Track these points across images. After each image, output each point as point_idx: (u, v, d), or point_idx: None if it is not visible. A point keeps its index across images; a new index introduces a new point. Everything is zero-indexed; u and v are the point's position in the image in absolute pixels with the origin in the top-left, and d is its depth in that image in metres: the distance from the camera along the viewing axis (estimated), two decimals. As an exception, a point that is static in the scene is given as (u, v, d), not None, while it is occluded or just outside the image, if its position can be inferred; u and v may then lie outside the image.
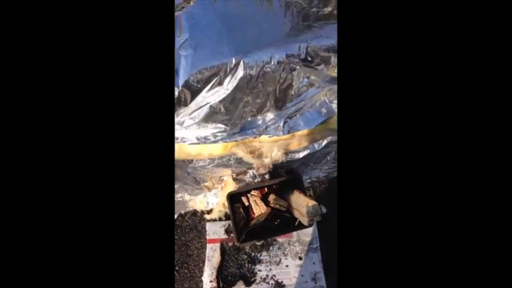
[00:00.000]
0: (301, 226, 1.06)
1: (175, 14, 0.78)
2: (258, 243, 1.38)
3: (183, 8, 0.78)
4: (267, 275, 1.32)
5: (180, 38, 0.75)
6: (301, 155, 1.13)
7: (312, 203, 0.97)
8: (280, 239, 1.40)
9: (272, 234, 1.17)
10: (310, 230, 1.44)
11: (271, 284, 1.31)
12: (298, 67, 0.82)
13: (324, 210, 1.54)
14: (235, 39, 0.76)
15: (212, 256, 1.35)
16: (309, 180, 1.40)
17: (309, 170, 1.30)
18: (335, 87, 0.94)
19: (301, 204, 0.98)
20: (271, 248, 1.37)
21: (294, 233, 1.41)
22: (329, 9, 0.84)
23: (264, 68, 0.79)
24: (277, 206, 1.07)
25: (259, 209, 1.05)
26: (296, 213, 1.04)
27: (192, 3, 0.77)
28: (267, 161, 0.98)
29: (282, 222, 1.10)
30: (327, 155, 1.23)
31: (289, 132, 0.93)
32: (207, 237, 1.37)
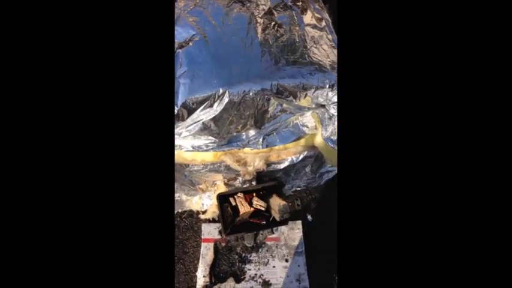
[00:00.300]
0: (275, 222, 1.26)
1: (177, 50, 1.02)
2: (249, 245, 1.56)
3: (183, 46, 1.03)
4: (256, 274, 1.45)
5: (180, 69, 0.99)
6: (282, 166, 1.35)
7: (283, 203, 1.18)
8: (269, 242, 1.56)
9: (252, 230, 1.37)
10: (296, 236, 1.59)
11: (259, 282, 1.43)
12: (271, 98, 1.05)
13: (310, 218, 1.71)
14: (223, 75, 1.00)
15: (206, 254, 1.49)
16: (292, 189, 1.60)
17: (290, 180, 1.51)
18: (305, 113, 1.17)
19: (276, 204, 1.19)
20: (260, 250, 1.50)
21: (282, 237, 1.56)
22: (296, 56, 1.08)
23: (244, 96, 1.02)
24: (258, 206, 1.28)
25: (243, 208, 1.26)
26: (272, 212, 1.26)
27: (191, 44, 1.02)
28: (250, 168, 1.20)
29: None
30: (305, 167, 1.43)
31: (267, 146, 1.15)
32: (202, 237, 1.51)
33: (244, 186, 1.36)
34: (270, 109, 1.08)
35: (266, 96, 1.04)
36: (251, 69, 1.03)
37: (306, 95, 1.08)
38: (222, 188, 1.34)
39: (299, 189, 1.61)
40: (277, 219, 1.21)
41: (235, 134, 1.11)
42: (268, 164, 1.27)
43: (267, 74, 1.03)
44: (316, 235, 1.59)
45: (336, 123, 1.16)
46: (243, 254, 1.53)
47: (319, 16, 1.24)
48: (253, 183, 1.37)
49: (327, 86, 1.09)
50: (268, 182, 1.33)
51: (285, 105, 1.10)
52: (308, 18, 1.20)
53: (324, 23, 1.22)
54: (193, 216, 1.59)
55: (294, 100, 1.08)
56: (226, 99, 1.00)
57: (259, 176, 1.35)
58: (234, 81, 1.00)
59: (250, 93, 1.01)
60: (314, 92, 1.09)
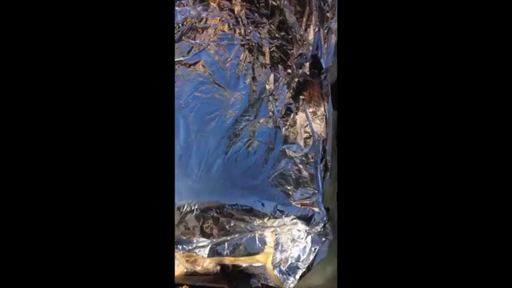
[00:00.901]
0: None
1: None
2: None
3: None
4: None
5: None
6: (244, 264, 1.33)
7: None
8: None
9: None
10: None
11: None
12: (220, 217, 1.05)
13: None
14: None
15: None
16: (260, 283, 1.56)
17: (257, 276, 1.47)
18: (266, 232, 1.14)
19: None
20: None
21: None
22: (256, 181, 1.06)
23: (190, 211, 1.05)
24: (199, 312, 1.27)
25: (184, 307, 1.27)
26: (208, 321, 1.25)
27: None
28: (198, 268, 1.22)
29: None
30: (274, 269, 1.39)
31: (213, 256, 1.16)
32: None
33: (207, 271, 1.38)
34: (220, 223, 1.09)
35: (212, 215, 1.05)
36: (202, 189, 1.05)
37: (259, 220, 1.07)
38: (180, 268, 1.38)
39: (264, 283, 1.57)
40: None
41: (183, 238, 1.15)
42: (222, 265, 1.27)
43: (217, 196, 1.04)
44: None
45: (293, 250, 1.12)
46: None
47: (308, 133, 1.18)
48: (218, 268, 1.38)
49: (284, 216, 1.06)
50: (223, 282, 1.32)
51: (238, 223, 1.10)
52: (292, 136, 1.16)
53: (310, 142, 1.17)
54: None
55: (244, 220, 1.07)
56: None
57: (224, 267, 1.36)
58: (182, 196, 1.04)
59: (195, 212, 1.04)
60: (268, 220, 1.07)
